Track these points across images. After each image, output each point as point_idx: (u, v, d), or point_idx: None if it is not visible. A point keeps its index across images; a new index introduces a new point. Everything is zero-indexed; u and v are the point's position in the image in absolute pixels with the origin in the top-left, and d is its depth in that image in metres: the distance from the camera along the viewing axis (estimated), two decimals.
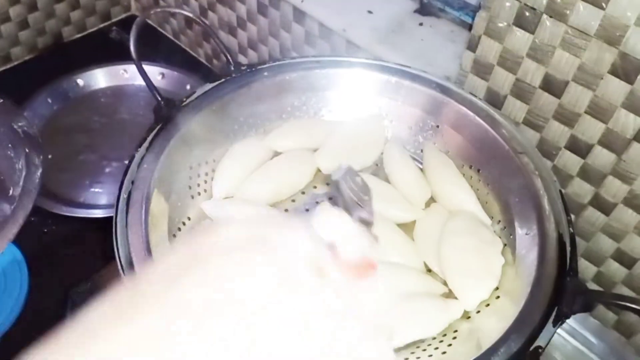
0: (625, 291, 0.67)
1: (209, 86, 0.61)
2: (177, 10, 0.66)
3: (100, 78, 1.02)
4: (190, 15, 0.66)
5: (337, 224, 0.27)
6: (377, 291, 0.25)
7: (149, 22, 1.18)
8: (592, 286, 0.71)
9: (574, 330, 0.65)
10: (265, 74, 0.62)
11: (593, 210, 0.65)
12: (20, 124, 0.66)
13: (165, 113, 0.57)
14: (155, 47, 1.11)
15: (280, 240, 0.23)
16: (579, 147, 0.62)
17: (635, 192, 0.60)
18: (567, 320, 0.62)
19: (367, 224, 0.32)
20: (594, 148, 0.60)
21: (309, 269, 0.23)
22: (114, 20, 1.18)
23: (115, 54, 1.01)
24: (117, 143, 0.91)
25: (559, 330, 0.62)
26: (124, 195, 0.51)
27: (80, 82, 1.01)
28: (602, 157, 0.60)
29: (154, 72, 1.03)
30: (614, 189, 0.61)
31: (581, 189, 0.65)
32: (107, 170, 0.88)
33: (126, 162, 0.54)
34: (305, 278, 0.22)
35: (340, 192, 0.34)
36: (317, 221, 0.26)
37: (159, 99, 0.57)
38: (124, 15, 1.19)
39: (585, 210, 0.66)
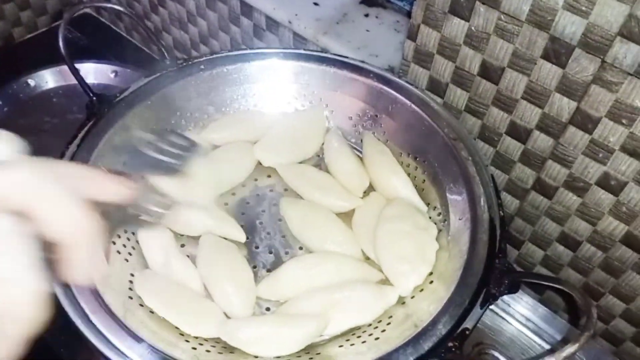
0: (572, 274, 0.68)
1: (143, 81, 0.60)
2: (105, 4, 0.65)
3: (51, 78, 1.00)
4: (119, 8, 0.65)
5: None
6: None
7: (102, 19, 1.16)
8: (541, 270, 0.71)
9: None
10: (202, 67, 0.62)
11: (536, 195, 0.66)
12: None
13: (97, 109, 0.56)
14: (108, 44, 1.09)
15: None
16: (518, 133, 0.62)
17: (575, 175, 0.60)
18: (518, 308, 0.64)
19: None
20: (533, 133, 0.61)
21: None
22: (66, 17, 1.16)
23: (67, 53, 1.00)
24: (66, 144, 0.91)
25: (509, 319, 0.63)
26: None
27: (31, 82, 0.99)
28: (540, 142, 0.61)
29: (107, 70, 1.02)
30: (554, 172, 0.62)
31: (523, 174, 0.65)
32: None
33: None
34: None
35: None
36: None
37: (90, 94, 0.56)
38: (75, 14, 1.17)
39: (529, 194, 0.66)
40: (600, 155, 0.57)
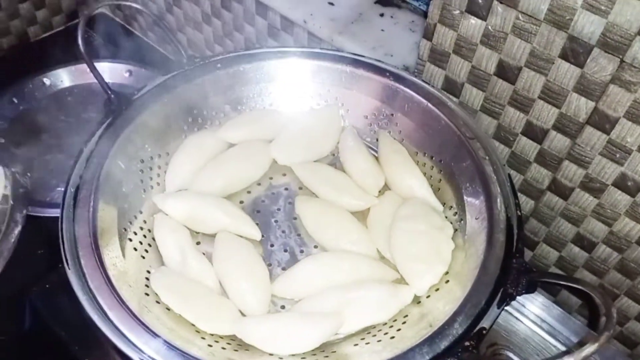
0: (587, 275, 0.67)
1: (161, 79, 0.60)
2: (122, 2, 0.65)
3: (66, 77, 1.01)
4: (138, 6, 0.65)
5: None
6: None
7: (116, 19, 1.17)
8: (556, 271, 0.71)
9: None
10: (219, 65, 0.62)
11: (552, 195, 0.65)
12: (14, 169, 0.64)
13: (115, 107, 0.56)
14: (123, 44, 1.10)
15: None
16: (534, 133, 0.62)
17: (591, 175, 0.60)
18: (532, 308, 0.63)
19: None
20: (549, 133, 0.61)
21: None
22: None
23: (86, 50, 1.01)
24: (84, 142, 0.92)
25: (524, 320, 0.62)
26: (71, 190, 0.50)
27: (46, 81, 1.00)
28: (557, 142, 0.61)
29: (121, 69, 1.03)
30: (571, 173, 0.61)
31: (539, 174, 0.65)
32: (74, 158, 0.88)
33: None
34: None
35: None
36: None
37: (109, 92, 0.57)
38: (92, 14, 1.18)
39: (544, 195, 0.66)
40: (618, 155, 0.56)
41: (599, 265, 0.65)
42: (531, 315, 0.62)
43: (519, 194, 0.67)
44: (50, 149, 0.90)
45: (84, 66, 1.00)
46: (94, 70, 0.57)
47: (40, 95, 0.98)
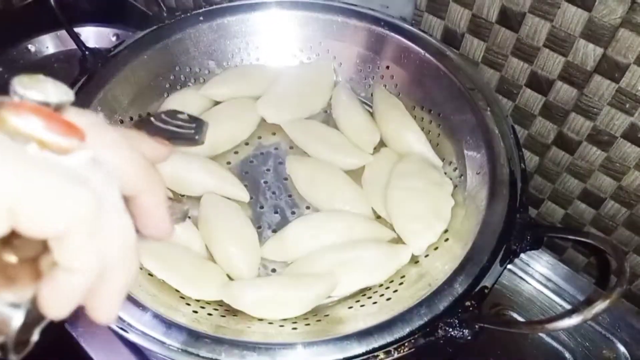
0: (594, 232, 0.65)
1: (139, 34, 0.57)
2: None
3: (51, 43, 0.98)
4: None
5: (50, 89, 0.22)
6: (79, 158, 0.20)
7: None
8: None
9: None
10: (201, 18, 0.58)
11: (557, 150, 0.63)
12: None
13: (91, 64, 0.53)
14: (110, 7, 1.06)
15: None
16: (539, 84, 0.59)
17: (599, 127, 0.57)
18: (537, 267, 0.61)
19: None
20: (555, 84, 0.57)
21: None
22: None
23: (67, 17, 0.97)
24: None
25: (528, 279, 0.60)
26: None
27: (31, 48, 0.97)
28: (563, 93, 0.58)
29: (108, 33, 0.99)
30: (577, 126, 0.59)
31: (544, 128, 0.62)
32: None
33: None
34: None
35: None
36: (23, 84, 0.22)
37: (83, 49, 0.53)
38: None
39: (550, 150, 0.63)
40: (628, 105, 0.53)
41: (607, 222, 0.63)
42: (536, 274, 0.60)
43: (523, 150, 0.64)
44: None
45: None
46: (66, 24, 0.53)
47: (25, 62, 0.96)
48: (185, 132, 0.41)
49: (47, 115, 0.20)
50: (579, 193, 0.64)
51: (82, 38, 1.00)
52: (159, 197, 0.24)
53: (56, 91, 0.22)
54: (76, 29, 0.99)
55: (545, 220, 0.69)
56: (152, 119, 0.39)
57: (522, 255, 0.59)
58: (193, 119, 0.42)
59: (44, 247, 0.20)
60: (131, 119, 0.57)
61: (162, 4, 0.59)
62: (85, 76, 0.53)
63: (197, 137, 0.41)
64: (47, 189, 0.18)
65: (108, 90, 0.53)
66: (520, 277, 0.59)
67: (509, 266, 0.60)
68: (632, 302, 0.66)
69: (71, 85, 0.52)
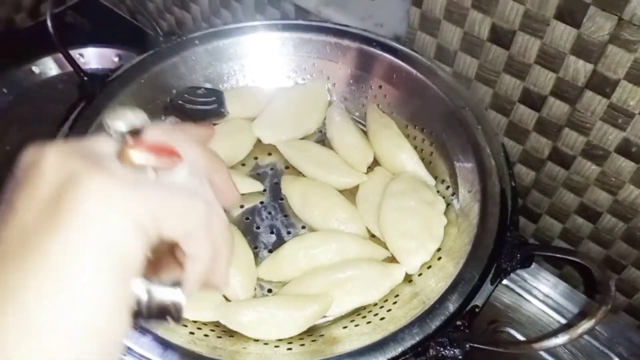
0: (593, 247, 0.65)
1: (136, 59, 0.58)
2: None
3: (54, 65, 0.99)
4: None
5: (130, 117, 0.27)
6: (182, 174, 0.26)
7: (105, 3, 1.15)
8: (560, 244, 0.69)
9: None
10: (197, 42, 0.59)
11: (553, 165, 0.63)
12: None
13: (89, 89, 0.54)
14: (112, 28, 1.08)
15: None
16: (532, 100, 0.59)
17: (593, 142, 0.57)
18: (535, 284, 0.61)
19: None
20: (547, 99, 0.58)
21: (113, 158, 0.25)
22: (68, 4, 1.15)
23: (71, 38, 0.99)
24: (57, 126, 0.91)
25: (527, 296, 0.61)
26: None
27: (35, 69, 0.99)
28: (556, 109, 0.58)
29: (110, 54, 1.01)
30: (571, 141, 0.59)
31: (539, 144, 0.62)
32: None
33: None
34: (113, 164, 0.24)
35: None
36: (111, 118, 0.27)
37: (82, 75, 0.54)
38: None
39: (545, 165, 0.64)
40: (620, 120, 0.54)
41: (605, 235, 0.63)
42: (535, 291, 0.60)
43: (518, 166, 0.65)
44: (41, 140, 0.89)
45: (72, 52, 0.98)
46: (62, 49, 0.55)
47: (29, 83, 0.96)
48: (211, 108, 0.48)
49: (156, 149, 0.26)
50: (576, 207, 0.64)
51: (85, 59, 1.02)
52: (225, 171, 0.29)
53: (135, 117, 0.27)
54: (79, 50, 1.02)
55: (544, 235, 0.70)
56: (180, 102, 0.48)
57: (522, 272, 0.60)
58: (210, 91, 0.49)
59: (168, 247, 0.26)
60: None
61: (158, 29, 0.60)
62: (84, 101, 0.54)
63: (222, 109, 0.50)
64: (176, 202, 0.24)
65: (105, 114, 0.54)
66: (519, 295, 0.59)
67: (508, 283, 0.61)
68: (632, 316, 0.66)
69: (70, 109, 0.53)
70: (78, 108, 0.53)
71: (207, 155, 0.28)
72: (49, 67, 0.99)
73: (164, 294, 0.24)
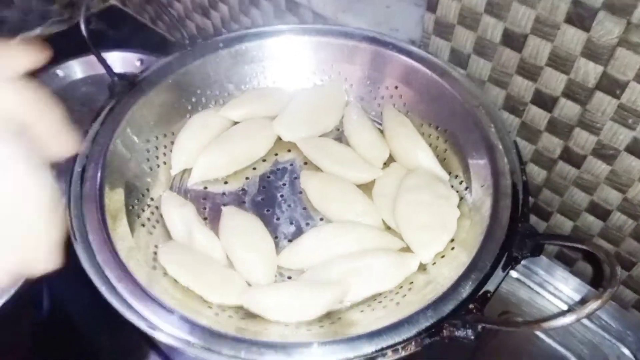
0: (603, 244, 0.66)
1: (164, 60, 0.61)
2: None
3: (79, 68, 1.02)
4: None
5: None
6: None
7: (127, 10, 1.18)
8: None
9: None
10: (221, 45, 0.62)
11: (564, 164, 0.64)
12: None
13: (119, 89, 0.57)
14: (134, 35, 1.11)
15: None
16: (544, 101, 0.61)
17: (603, 142, 0.59)
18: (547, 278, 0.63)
19: None
20: (559, 100, 0.60)
21: None
22: (93, 11, 1.19)
23: (95, 44, 1.02)
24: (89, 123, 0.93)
25: (546, 294, 0.62)
26: (78, 169, 0.51)
27: (60, 73, 1.01)
28: (567, 109, 0.59)
29: (132, 58, 1.04)
30: (582, 140, 0.60)
31: (550, 143, 0.64)
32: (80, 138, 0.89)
33: None
34: None
35: None
36: None
37: (112, 76, 0.57)
38: (103, 6, 1.20)
39: (557, 164, 0.65)
40: (630, 120, 0.55)
41: (615, 233, 0.64)
42: (547, 285, 0.62)
43: (530, 165, 0.66)
44: None
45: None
46: (96, 53, 0.58)
47: (54, 86, 0.99)
48: None
49: None
50: (586, 205, 0.65)
51: (109, 63, 1.05)
52: (49, 119, 0.26)
53: None
54: (103, 55, 1.05)
55: (555, 232, 0.71)
56: None
57: (535, 267, 0.61)
58: None
59: None
60: (156, 137, 0.61)
61: (183, 32, 0.63)
62: (115, 99, 0.56)
63: None
64: None
65: (135, 112, 0.57)
66: (531, 288, 0.61)
67: (520, 277, 0.62)
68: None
69: (101, 108, 0.56)
70: (109, 106, 0.56)
71: (24, 102, 0.25)
72: (73, 70, 1.02)
73: None
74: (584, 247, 0.43)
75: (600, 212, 0.64)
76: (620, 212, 0.62)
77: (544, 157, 0.65)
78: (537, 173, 0.67)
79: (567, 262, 0.70)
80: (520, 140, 0.66)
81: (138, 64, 1.03)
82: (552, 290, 0.61)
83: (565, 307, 0.60)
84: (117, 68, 1.04)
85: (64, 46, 1.09)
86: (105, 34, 1.11)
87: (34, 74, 0.92)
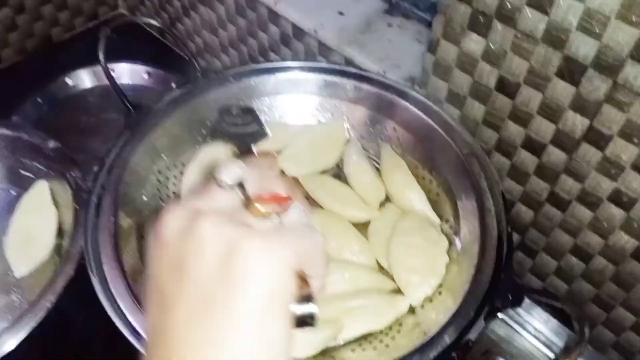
0: (585, 285, 0.70)
1: (176, 92, 0.64)
2: (147, 20, 0.69)
3: (87, 78, 1.03)
4: (159, 25, 0.69)
5: (234, 169, 0.32)
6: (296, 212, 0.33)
7: (136, 20, 1.20)
8: (555, 280, 0.73)
9: None
10: (231, 79, 0.65)
11: (550, 207, 0.67)
12: (73, 174, 0.64)
13: (134, 120, 0.60)
14: (142, 46, 1.13)
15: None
16: (533, 147, 0.64)
17: (587, 190, 0.62)
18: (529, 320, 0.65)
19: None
20: (547, 147, 0.63)
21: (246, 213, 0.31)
22: (101, 19, 1.21)
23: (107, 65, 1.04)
24: (107, 142, 0.93)
25: (526, 335, 0.65)
26: (94, 200, 0.54)
27: (69, 82, 1.02)
28: (555, 156, 0.62)
29: (140, 71, 1.06)
30: (568, 186, 0.63)
31: (538, 186, 0.67)
32: (96, 168, 0.91)
33: None
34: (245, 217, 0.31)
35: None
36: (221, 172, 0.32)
37: (128, 106, 0.60)
38: (111, 15, 1.22)
39: (543, 206, 0.68)
40: (612, 172, 0.58)
41: (596, 276, 0.67)
42: (527, 325, 0.65)
43: (519, 204, 0.69)
44: (73, 150, 0.93)
45: None
46: (114, 85, 0.60)
47: (63, 95, 1.01)
48: (254, 130, 0.51)
49: (277, 199, 0.32)
50: (570, 247, 0.68)
51: (116, 74, 1.07)
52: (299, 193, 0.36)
53: (239, 169, 0.33)
54: (112, 65, 1.06)
55: (540, 271, 0.74)
56: (224, 127, 0.51)
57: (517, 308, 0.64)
58: (244, 109, 0.51)
59: None
60: (168, 168, 0.63)
61: (197, 65, 0.66)
62: (130, 130, 0.59)
63: (263, 128, 0.52)
64: (306, 240, 0.31)
65: (149, 143, 0.60)
66: (512, 328, 0.64)
67: (503, 317, 0.65)
68: (621, 354, 0.70)
69: (118, 138, 0.59)
70: (124, 137, 0.59)
71: (290, 186, 0.34)
72: (81, 79, 1.03)
73: (304, 309, 0.30)
74: (559, 305, 0.47)
75: (583, 254, 0.67)
76: (601, 257, 0.65)
77: (532, 198, 0.68)
78: (525, 212, 0.70)
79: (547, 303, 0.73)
80: (509, 181, 0.69)
81: (146, 76, 1.06)
82: (532, 331, 0.64)
83: (543, 348, 0.63)
84: (126, 79, 1.06)
85: (72, 53, 1.12)
86: (112, 43, 1.13)
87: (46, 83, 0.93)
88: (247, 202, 0.31)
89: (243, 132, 0.49)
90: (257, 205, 0.31)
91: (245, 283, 0.27)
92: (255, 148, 0.51)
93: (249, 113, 0.54)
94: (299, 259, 0.29)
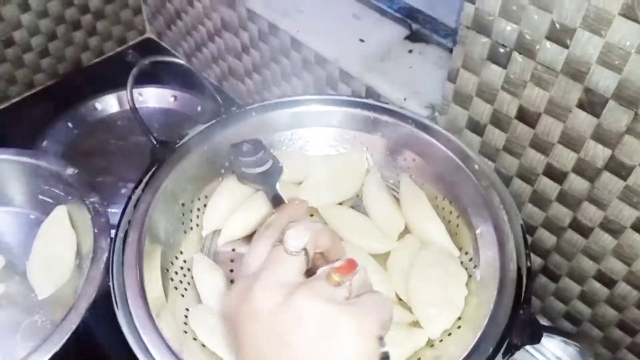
0: (608, 310, 0.69)
1: (200, 127, 0.66)
2: (169, 59, 0.71)
3: (115, 102, 1.07)
4: (182, 62, 0.71)
5: (301, 235, 0.38)
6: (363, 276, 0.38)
7: (163, 44, 1.24)
8: (578, 304, 0.73)
9: None
10: (253, 114, 0.67)
11: (573, 233, 0.67)
12: (92, 199, 0.67)
13: (160, 155, 0.62)
14: (168, 69, 1.16)
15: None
16: (555, 174, 0.64)
17: (610, 217, 0.62)
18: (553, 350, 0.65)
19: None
20: (569, 175, 0.63)
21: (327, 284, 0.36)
22: (130, 43, 1.25)
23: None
24: (133, 165, 0.97)
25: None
26: (120, 235, 0.56)
27: (98, 106, 1.06)
28: (576, 184, 0.63)
29: (167, 94, 1.09)
30: (590, 214, 0.63)
31: (560, 213, 0.67)
32: (123, 191, 0.94)
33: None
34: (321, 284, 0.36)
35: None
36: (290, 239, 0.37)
37: (154, 141, 0.62)
38: (139, 39, 1.26)
39: (566, 232, 0.68)
40: (635, 200, 0.58)
41: (619, 301, 0.67)
42: (546, 352, 0.64)
43: (542, 229, 0.69)
44: (101, 172, 0.97)
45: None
46: (141, 122, 0.63)
47: (92, 119, 1.05)
48: (269, 168, 0.55)
49: (351, 267, 0.38)
50: (593, 273, 0.68)
51: (144, 97, 1.10)
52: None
53: (304, 234, 0.38)
54: (139, 90, 1.10)
55: (563, 295, 0.73)
56: (241, 170, 0.57)
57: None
58: (254, 144, 0.56)
59: None
60: (191, 201, 0.65)
61: (218, 99, 0.68)
62: (156, 165, 0.61)
63: (280, 165, 0.58)
64: (382, 306, 0.37)
65: (174, 178, 0.62)
66: (531, 354, 0.63)
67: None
68: None
69: (145, 173, 0.61)
70: (150, 172, 0.61)
71: (333, 234, 0.43)
72: (110, 104, 1.07)
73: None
74: (579, 345, 0.47)
75: (606, 280, 0.67)
76: (625, 283, 0.65)
77: (554, 224, 0.68)
78: (547, 238, 0.70)
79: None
80: (531, 206, 0.69)
81: (172, 99, 1.09)
82: (551, 358, 0.64)
83: None
84: (152, 103, 1.09)
85: (100, 77, 1.15)
86: (140, 67, 1.16)
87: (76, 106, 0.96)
88: (328, 274, 0.36)
89: (262, 171, 0.51)
90: (336, 277, 0.36)
91: (341, 355, 0.32)
92: (280, 190, 0.54)
93: (259, 145, 0.60)
94: (382, 327, 0.35)
